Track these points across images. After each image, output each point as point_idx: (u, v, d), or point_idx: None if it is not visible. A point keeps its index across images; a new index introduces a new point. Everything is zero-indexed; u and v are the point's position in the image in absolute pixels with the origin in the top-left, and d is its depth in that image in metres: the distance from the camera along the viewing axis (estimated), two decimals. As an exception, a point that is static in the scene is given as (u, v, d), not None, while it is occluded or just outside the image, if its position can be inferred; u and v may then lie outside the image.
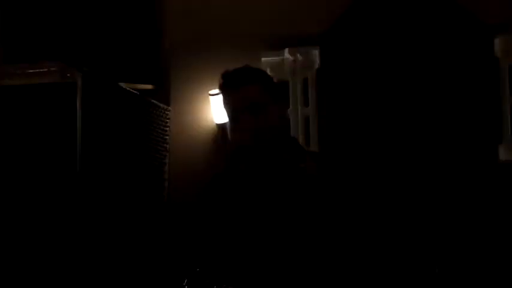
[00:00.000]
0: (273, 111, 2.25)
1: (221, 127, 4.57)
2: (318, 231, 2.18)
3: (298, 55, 4.54)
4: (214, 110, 4.57)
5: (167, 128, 4.60)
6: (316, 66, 4.54)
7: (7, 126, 3.73)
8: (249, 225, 2.22)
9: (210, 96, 4.55)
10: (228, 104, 2.27)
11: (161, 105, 4.57)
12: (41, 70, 3.71)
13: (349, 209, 2.19)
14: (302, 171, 2.15)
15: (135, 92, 4.33)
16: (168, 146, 4.60)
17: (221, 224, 2.26)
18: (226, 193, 2.28)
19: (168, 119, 4.61)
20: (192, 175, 4.44)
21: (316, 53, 4.54)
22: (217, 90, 4.41)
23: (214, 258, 2.25)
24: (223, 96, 2.29)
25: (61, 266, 3.56)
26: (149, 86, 4.68)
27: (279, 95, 2.33)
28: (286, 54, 4.56)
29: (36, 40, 4.70)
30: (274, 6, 4.64)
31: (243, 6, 4.68)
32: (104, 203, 3.80)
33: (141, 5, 4.83)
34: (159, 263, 4.26)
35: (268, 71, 4.44)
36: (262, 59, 4.50)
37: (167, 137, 4.60)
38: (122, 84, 4.20)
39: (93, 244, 3.68)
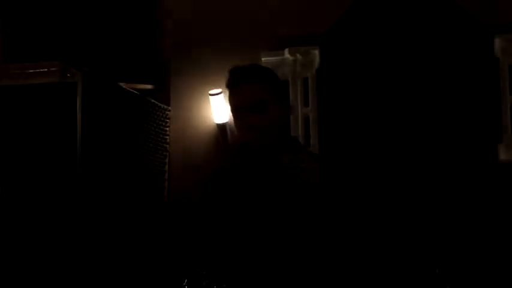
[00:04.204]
0: (275, 110, 2.26)
1: (221, 127, 4.57)
2: (316, 231, 2.18)
3: (298, 55, 4.54)
4: (214, 110, 4.57)
5: (167, 128, 4.60)
6: (316, 66, 4.54)
7: (7, 126, 3.73)
8: (246, 222, 2.23)
9: (210, 96, 4.54)
10: (232, 101, 2.29)
11: (161, 105, 4.57)
12: (41, 70, 3.71)
13: (350, 209, 2.19)
14: (302, 170, 2.15)
15: (135, 92, 4.32)
16: (168, 146, 4.60)
17: (220, 221, 2.27)
18: (225, 189, 2.29)
19: (168, 119, 4.61)
20: (192, 175, 4.43)
21: (316, 53, 4.53)
22: (217, 90, 4.46)
23: (213, 258, 2.25)
24: (228, 92, 2.32)
25: (61, 265, 3.56)
26: (149, 86, 4.68)
27: (282, 95, 2.35)
28: (286, 54, 4.55)
29: (36, 40, 4.69)
30: (274, 6, 4.63)
31: (243, 7, 4.68)
32: (104, 203, 3.80)
33: (141, 4, 4.83)
34: (159, 262, 4.26)
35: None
36: (262, 59, 4.50)
37: (167, 137, 4.59)
38: (122, 84, 4.20)
39: (94, 244, 3.68)
